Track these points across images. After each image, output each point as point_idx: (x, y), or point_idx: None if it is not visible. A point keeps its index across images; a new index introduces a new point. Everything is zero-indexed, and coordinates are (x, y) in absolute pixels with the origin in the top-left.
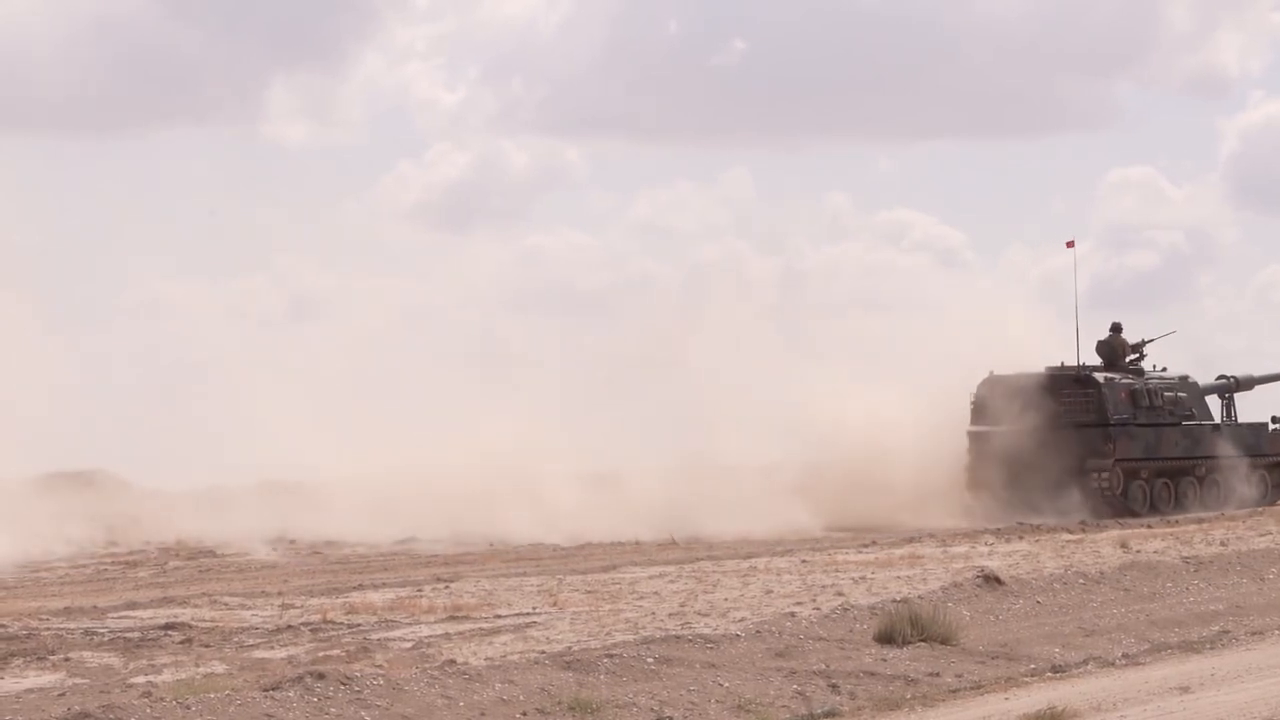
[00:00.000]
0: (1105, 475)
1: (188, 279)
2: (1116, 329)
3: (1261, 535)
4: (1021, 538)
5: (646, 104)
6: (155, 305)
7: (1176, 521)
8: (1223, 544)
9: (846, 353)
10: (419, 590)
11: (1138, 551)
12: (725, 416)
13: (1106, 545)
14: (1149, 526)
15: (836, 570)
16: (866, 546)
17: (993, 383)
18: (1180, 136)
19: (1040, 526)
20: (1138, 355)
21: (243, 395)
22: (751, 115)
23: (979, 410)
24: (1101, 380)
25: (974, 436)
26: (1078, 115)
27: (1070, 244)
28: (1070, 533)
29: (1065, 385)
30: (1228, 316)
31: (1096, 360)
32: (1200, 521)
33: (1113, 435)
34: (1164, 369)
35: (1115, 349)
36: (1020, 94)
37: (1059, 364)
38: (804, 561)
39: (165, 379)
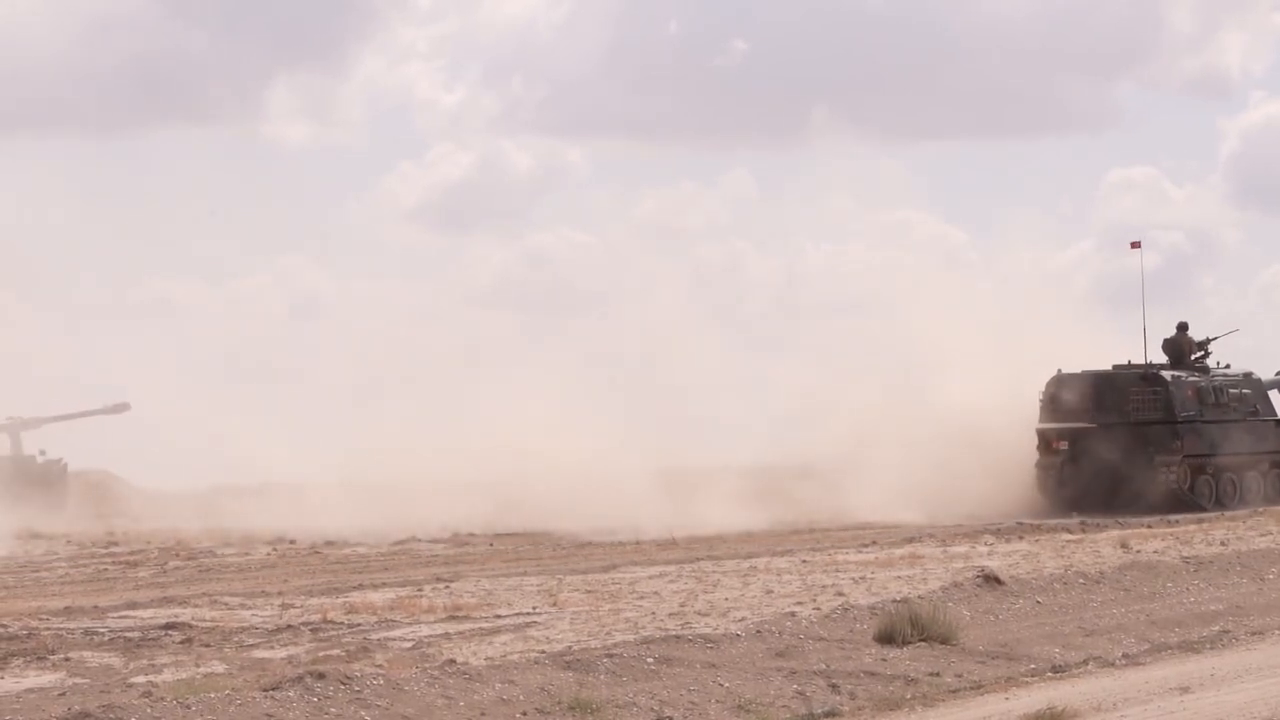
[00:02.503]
0: (1173, 471)
1: (188, 279)
2: (1182, 327)
3: (1262, 535)
4: (1021, 538)
5: (647, 104)
6: (155, 305)
7: (1176, 521)
8: (1223, 544)
9: (846, 352)
10: (419, 590)
11: (1138, 551)
12: (721, 415)
13: (1106, 545)
14: (1148, 527)
15: (836, 570)
16: (866, 546)
17: (1061, 380)
18: (1182, 137)
19: (1040, 526)
20: (1203, 353)
21: (243, 395)
22: (752, 115)
23: (1047, 408)
24: (1169, 378)
25: (1042, 434)
26: (1079, 115)
27: (1136, 244)
28: (1070, 533)
29: (1133, 383)
30: (1229, 317)
31: (1162, 358)
32: (1200, 521)
33: (1180, 432)
34: (1228, 365)
35: (1181, 347)
36: (1021, 94)
37: (1126, 361)
38: (804, 561)
39: (165, 378)
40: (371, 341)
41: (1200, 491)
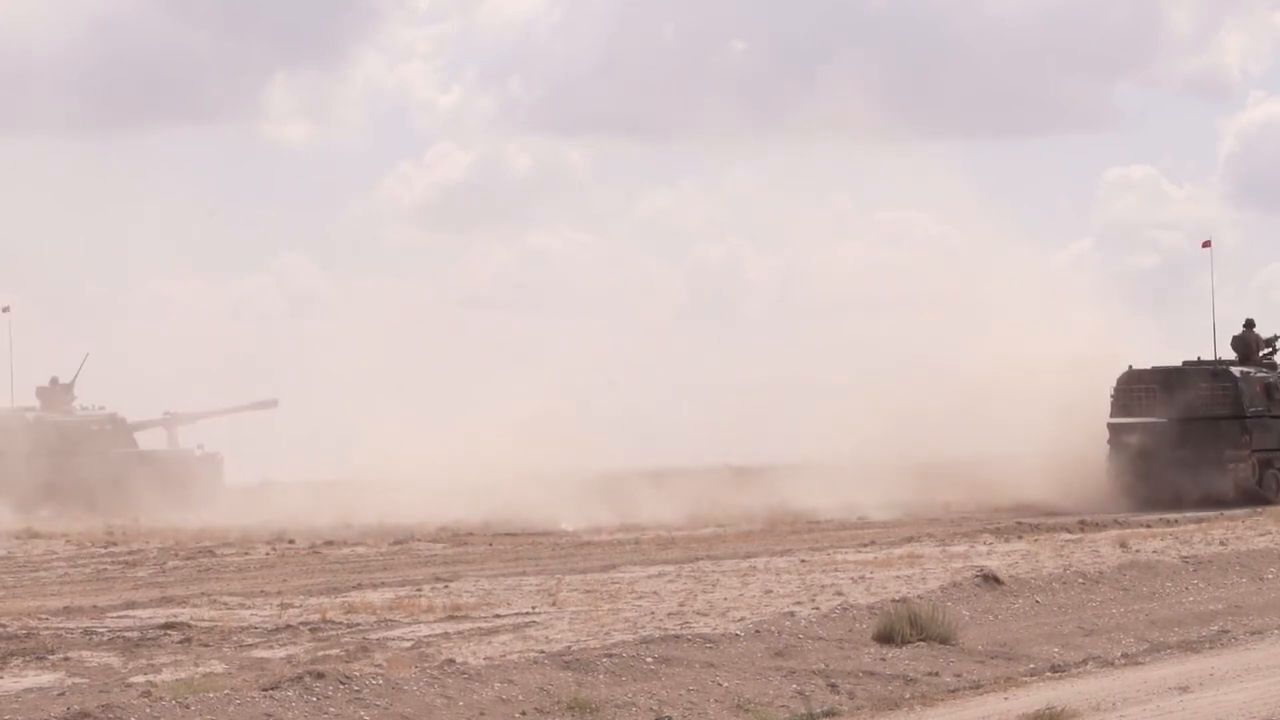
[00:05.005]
0: (1242, 466)
1: (188, 279)
2: (1250, 325)
3: (1261, 535)
4: (1020, 537)
5: (647, 104)
6: (156, 305)
7: (1175, 521)
8: (1222, 543)
9: (846, 351)
10: (418, 590)
11: (1137, 551)
12: (719, 414)
13: (1105, 545)
14: (1148, 526)
15: (835, 570)
16: (865, 546)
17: (1132, 376)
18: (1181, 137)
19: (1039, 525)
20: (1270, 350)
21: (241, 395)
22: (752, 115)
23: (1118, 403)
24: (1238, 374)
25: (1113, 429)
26: (1079, 115)
27: (1206, 244)
28: (1069, 532)
29: (1202, 379)
30: (1229, 317)
31: (1231, 354)
32: (1200, 521)
33: (1249, 427)
34: None
35: (1249, 344)
36: (1021, 94)
37: (1195, 358)
38: (803, 561)
39: (164, 378)
40: (370, 341)
41: (1268, 485)
